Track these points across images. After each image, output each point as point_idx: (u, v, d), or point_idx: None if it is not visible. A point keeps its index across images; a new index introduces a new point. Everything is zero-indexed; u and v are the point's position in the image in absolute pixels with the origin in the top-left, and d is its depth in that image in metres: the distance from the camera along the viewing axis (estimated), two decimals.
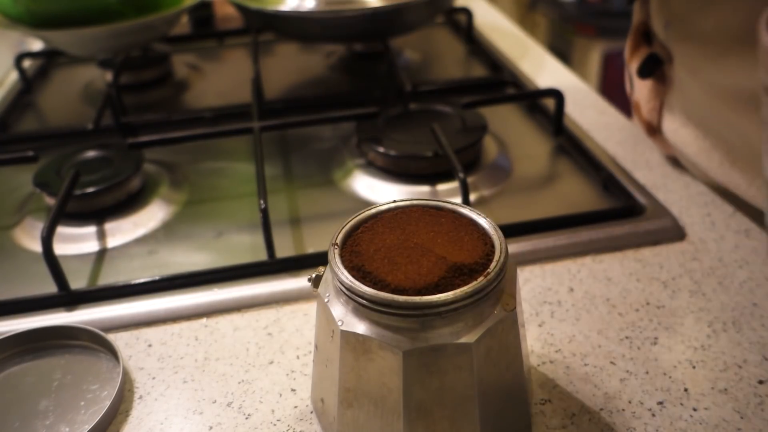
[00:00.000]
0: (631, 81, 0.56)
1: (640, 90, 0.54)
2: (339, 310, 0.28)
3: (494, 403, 0.29)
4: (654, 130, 0.53)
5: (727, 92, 0.43)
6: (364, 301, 0.27)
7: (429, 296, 0.26)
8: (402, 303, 0.26)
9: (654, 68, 0.50)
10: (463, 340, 0.27)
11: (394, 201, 0.32)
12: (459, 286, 0.26)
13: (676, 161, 0.54)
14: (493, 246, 0.29)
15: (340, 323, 0.28)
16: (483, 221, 0.30)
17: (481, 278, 0.27)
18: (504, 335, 0.28)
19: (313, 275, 0.31)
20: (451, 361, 0.27)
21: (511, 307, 0.28)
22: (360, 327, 0.27)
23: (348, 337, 0.27)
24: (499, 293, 0.28)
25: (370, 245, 0.29)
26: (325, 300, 0.29)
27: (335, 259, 0.28)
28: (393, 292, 0.26)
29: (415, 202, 0.32)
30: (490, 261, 0.28)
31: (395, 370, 0.27)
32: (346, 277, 0.27)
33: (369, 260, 0.28)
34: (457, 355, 0.27)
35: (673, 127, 0.51)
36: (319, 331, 0.31)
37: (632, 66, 0.54)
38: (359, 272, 0.28)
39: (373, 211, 0.31)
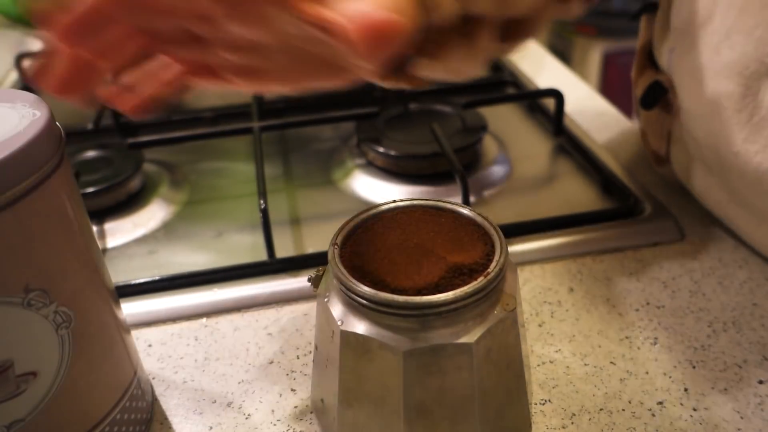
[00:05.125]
0: (637, 106, 0.50)
1: (647, 117, 0.49)
2: (339, 310, 0.28)
3: (494, 403, 0.29)
4: (661, 161, 0.49)
5: None
6: (364, 301, 0.27)
7: (429, 296, 0.26)
8: (402, 303, 0.26)
9: (658, 97, 0.46)
10: (463, 340, 0.27)
11: (394, 201, 0.32)
12: (459, 286, 0.26)
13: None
14: (493, 246, 0.29)
15: (340, 323, 0.28)
16: (483, 221, 0.30)
17: (481, 278, 0.27)
18: (504, 335, 0.28)
19: (313, 275, 0.31)
20: (451, 361, 0.27)
21: (511, 307, 0.28)
22: (360, 327, 0.27)
23: (348, 337, 0.27)
24: (499, 293, 0.28)
25: (370, 245, 0.29)
26: (325, 300, 0.29)
27: (335, 259, 0.28)
28: (393, 292, 0.26)
29: (415, 202, 0.32)
30: (490, 261, 0.28)
31: (395, 370, 0.27)
32: (346, 277, 0.27)
33: (369, 260, 0.28)
34: (457, 355, 0.27)
35: (680, 158, 0.46)
36: (319, 331, 0.31)
37: (637, 91, 0.49)
38: (359, 272, 0.28)
39: (373, 211, 0.31)
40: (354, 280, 0.27)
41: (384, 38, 0.24)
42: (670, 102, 0.45)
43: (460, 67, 0.34)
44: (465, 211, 0.31)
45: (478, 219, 0.30)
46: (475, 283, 0.26)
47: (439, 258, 0.28)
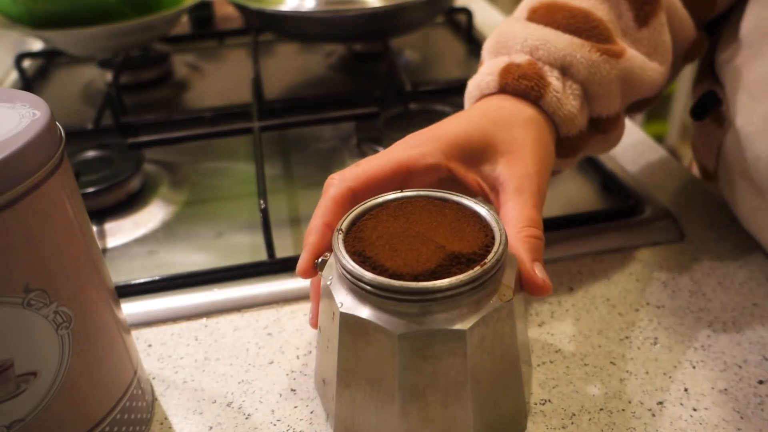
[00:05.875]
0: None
1: (698, 129, 0.47)
2: (340, 294, 0.29)
3: (488, 391, 0.30)
4: (709, 176, 0.47)
5: None
6: (363, 285, 0.27)
7: (426, 282, 0.27)
8: (398, 288, 0.27)
9: (710, 108, 0.43)
10: (457, 326, 0.27)
11: (401, 191, 0.33)
12: (456, 274, 0.27)
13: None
14: (493, 237, 0.29)
15: (340, 305, 0.28)
16: (486, 213, 0.31)
17: (477, 267, 0.27)
18: (499, 325, 0.29)
19: (320, 260, 0.32)
20: (445, 346, 0.28)
21: (507, 297, 0.28)
22: (359, 310, 0.28)
23: (347, 319, 0.28)
24: (497, 283, 0.29)
25: (373, 232, 0.30)
26: (328, 283, 0.30)
27: (338, 243, 0.29)
28: (391, 277, 0.27)
29: (420, 192, 0.32)
30: (489, 251, 0.28)
31: (391, 353, 0.28)
32: (347, 261, 0.28)
33: (370, 246, 0.29)
34: (451, 340, 0.28)
35: (727, 175, 0.44)
36: (321, 314, 0.32)
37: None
38: (359, 257, 0.28)
39: (380, 200, 0.32)
40: (354, 264, 0.28)
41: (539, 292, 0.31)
42: (723, 115, 0.43)
43: None
44: (468, 202, 0.32)
45: (481, 211, 0.31)
46: (471, 271, 0.27)
47: (439, 246, 0.28)
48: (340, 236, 0.30)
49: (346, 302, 0.28)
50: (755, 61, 0.39)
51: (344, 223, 0.30)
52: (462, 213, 0.31)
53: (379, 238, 0.29)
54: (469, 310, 0.28)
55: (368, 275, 0.27)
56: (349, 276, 0.28)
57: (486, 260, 0.28)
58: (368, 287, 0.27)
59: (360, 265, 0.28)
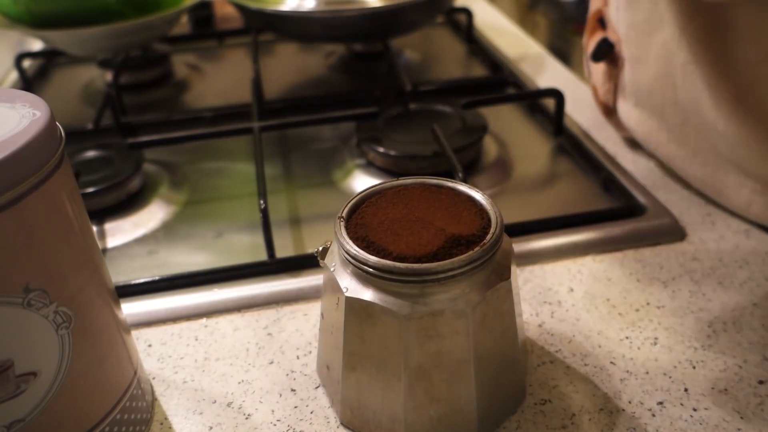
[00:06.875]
0: (588, 66, 0.57)
1: (596, 73, 0.55)
2: (344, 279, 0.30)
3: (489, 368, 0.31)
4: (610, 112, 0.55)
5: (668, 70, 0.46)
6: (368, 269, 0.28)
7: (428, 264, 0.28)
8: (403, 270, 0.27)
9: (606, 52, 0.52)
10: (461, 305, 0.28)
11: (398, 179, 0.33)
12: (457, 255, 0.28)
13: (633, 142, 0.55)
14: (489, 220, 0.30)
15: (345, 290, 0.29)
16: (480, 197, 0.32)
17: (477, 248, 0.28)
18: (499, 303, 0.30)
19: (320, 248, 0.32)
20: (448, 325, 0.28)
21: (505, 276, 0.30)
22: (364, 293, 0.29)
23: (352, 303, 0.29)
24: (495, 263, 0.30)
25: (374, 218, 0.31)
26: (332, 270, 0.30)
27: (341, 230, 0.30)
28: (395, 260, 0.28)
29: (417, 180, 0.33)
30: (487, 233, 0.29)
31: (396, 334, 0.28)
32: (351, 246, 0.29)
33: (373, 231, 0.30)
34: (454, 319, 0.28)
35: (626, 108, 0.53)
36: (325, 301, 0.32)
37: (589, 51, 0.55)
38: (363, 242, 0.29)
39: (378, 188, 0.33)
40: (359, 249, 0.29)
41: None
42: (616, 56, 0.51)
43: None
44: (463, 188, 0.33)
45: (476, 195, 0.32)
46: (471, 252, 0.28)
47: (439, 230, 0.29)
48: (342, 223, 0.30)
49: (351, 287, 0.29)
50: (639, 4, 0.47)
51: (344, 211, 0.31)
52: (458, 198, 0.32)
53: (380, 224, 0.30)
54: (471, 290, 0.29)
55: (373, 259, 0.28)
56: (353, 261, 0.29)
57: (485, 241, 0.29)
58: (373, 271, 0.28)
59: (364, 250, 0.29)
